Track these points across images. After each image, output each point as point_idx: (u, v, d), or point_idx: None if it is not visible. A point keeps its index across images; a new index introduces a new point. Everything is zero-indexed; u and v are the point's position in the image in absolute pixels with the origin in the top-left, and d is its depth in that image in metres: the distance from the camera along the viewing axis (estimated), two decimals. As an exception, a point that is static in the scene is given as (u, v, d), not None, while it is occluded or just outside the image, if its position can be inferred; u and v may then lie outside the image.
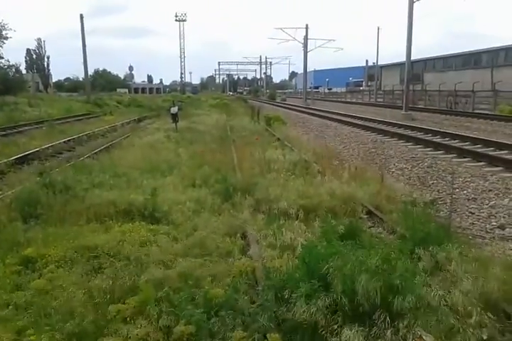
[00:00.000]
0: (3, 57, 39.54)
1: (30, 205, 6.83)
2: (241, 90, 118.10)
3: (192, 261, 4.93)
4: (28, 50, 73.96)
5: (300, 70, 78.72)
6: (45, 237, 5.76)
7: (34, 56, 74.11)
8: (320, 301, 3.63)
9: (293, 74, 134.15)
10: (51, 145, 15.07)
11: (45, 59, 73.87)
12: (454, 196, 8.14)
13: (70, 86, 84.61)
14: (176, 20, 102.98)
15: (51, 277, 4.71)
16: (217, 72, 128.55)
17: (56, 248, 5.33)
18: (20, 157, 12.60)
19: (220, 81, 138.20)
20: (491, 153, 11.77)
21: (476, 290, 3.94)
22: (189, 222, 6.38)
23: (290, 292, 3.87)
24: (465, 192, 8.71)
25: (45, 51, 73.92)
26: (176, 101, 30.11)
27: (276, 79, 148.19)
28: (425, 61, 51.06)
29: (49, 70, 74.87)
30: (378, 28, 54.59)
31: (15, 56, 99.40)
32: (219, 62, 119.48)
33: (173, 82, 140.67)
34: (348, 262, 3.89)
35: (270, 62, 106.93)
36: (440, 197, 8.67)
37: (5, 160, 11.66)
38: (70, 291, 4.35)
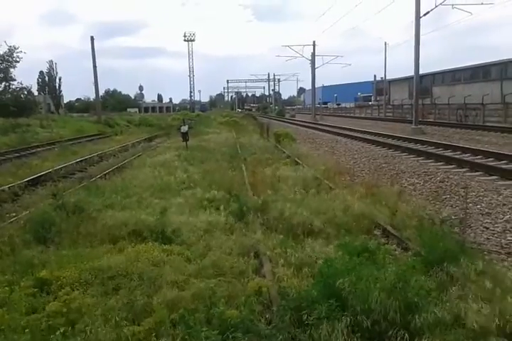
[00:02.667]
0: (15, 79, 40.28)
1: (44, 227, 6.88)
2: (249, 107, 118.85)
3: (206, 281, 4.92)
4: (40, 72, 75.36)
5: (308, 86, 79.24)
6: (59, 259, 5.79)
7: (46, 78, 75.42)
8: (339, 323, 3.59)
9: (301, 90, 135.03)
10: (63, 166, 15.22)
11: (57, 80, 75.08)
12: (467, 211, 8.06)
13: (81, 106, 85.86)
14: (185, 40, 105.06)
15: (66, 299, 4.70)
16: (225, 90, 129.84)
17: (70, 270, 5.33)
18: (33, 178, 12.74)
19: (229, 99, 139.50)
20: (503, 166, 11.67)
21: (492, 310, 3.86)
22: (202, 241, 6.38)
23: (307, 313, 3.83)
24: (479, 206, 8.62)
25: (57, 73, 75.17)
26: (185, 119, 30.40)
27: (284, 96, 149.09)
28: (433, 75, 51.08)
29: (60, 91, 76.07)
30: (385, 43, 55.22)
31: (28, 77, 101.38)
32: (227, 80, 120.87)
33: (183, 100, 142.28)
34: (364, 279, 3.87)
35: (278, 79, 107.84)
36: (454, 212, 8.58)
37: (18, 182, 11.79)
38: (86, 313, 4.35)
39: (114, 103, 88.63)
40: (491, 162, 12.62)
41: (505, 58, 39.69)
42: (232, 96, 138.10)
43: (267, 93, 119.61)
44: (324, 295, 3.92)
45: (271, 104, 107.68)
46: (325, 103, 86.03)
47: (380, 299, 3.57)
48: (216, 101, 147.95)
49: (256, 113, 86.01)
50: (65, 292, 4.88)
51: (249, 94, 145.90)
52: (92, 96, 63.50)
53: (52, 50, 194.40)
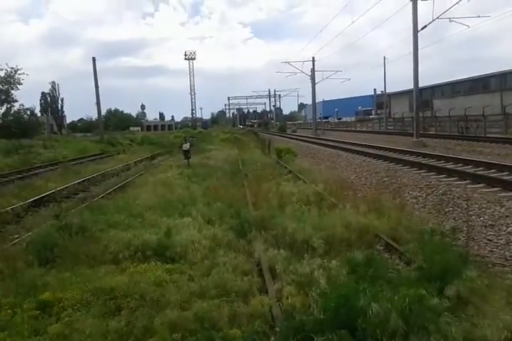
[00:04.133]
0: (17, 101, 40.66)
1: (47, 248, 6.88)
2: (251, 123, 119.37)
3: (208, 301, 4.89)
4: (43, 93, 76.20)
5: (309, 101, 79.56)
6: (61, 281, 5.78)
7: (49, 99, 76.19)
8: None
9: (302, 106, 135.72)
10: (66, 187, 15.26)
11: (59, 101, 75.85)
12: (470, 223, 8.04)
13: (83, 126, 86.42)
14: (186, 58, 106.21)
15: (69, 321, 4.69)
16: (227, 107, 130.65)
17: (73, 291, 5.32)
18: (36, 199, 12.76)
19: (231, 115, 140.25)
20: (505, 177, 11.64)
21: (500, 326, 3.81)
22: (205, 260, 6.36)
23: (310, 334, 3.78)
24: (481, 218, 8.58)
25: (59, 94, 76.00)
26: (187, 137, 30.56)
27: (285, 111, 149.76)
28: (433, 87, 51.47)
29: (63, 112, 76.80)
30: (384, 58, 55.38)
31: (30, 98, 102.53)
32: (229, 97, 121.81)
33: (184, 118, 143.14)
34: (377, 302, 3.81)
35: (279, 95, 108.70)
36: (457, 225, 8.55)
37: (21, 204, 11.82)
38: (88, 335, 4.33)
39: (116, 122, 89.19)
40: (493, 173, 12.59)
41: (504, 69, 40.05)
42: (233, 113, 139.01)
43: (268, 109, 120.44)
44: (333, 320, 3.83)
45: (272, 119, 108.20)
46: (326, 117, 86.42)
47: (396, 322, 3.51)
48: (218, 118, 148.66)
49: (257, 129, 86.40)
50: (67, 314, 4.87)
51: (251, 111, 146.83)
52: (95, 116, 64.10)
53: (54, 71, 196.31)
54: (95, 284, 5.49)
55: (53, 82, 76.59)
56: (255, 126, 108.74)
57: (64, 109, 76.75)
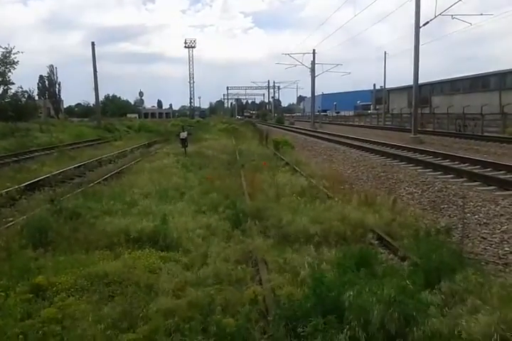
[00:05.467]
0: (13, 83, 40.27)
1: (41, 232, 6.86)
2: (249, 114, 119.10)
3: (202, 289, 4.90)
4: (40, 76, 75.60)
5: (308, 94, 79.48)
6: (55, 265, 5.78)
7: (46, 82, 75.60)
8: (334, 336, 3.56)
9: (301, 98, 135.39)
10: (62, 171, 15.20)
11: (57, 85, 75.28)
12: (465, 221, 8.07)
13: (80, 111, 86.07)
14: (186, 46, 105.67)
15: (62, 305, 4.69)
16: (225, 97, 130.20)
17: (66, 275, 5.32)
18: (31, 183, 12.71)
19: (229, 105, 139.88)
20: (501, 176, 11.69)
21: (491, 322, 3.84)
22: (199, 248, 6.38)
23: (301, 323, 3.82)
24: (476, 216, 8.62)
25: (57, 77, 75.43)
26: (185, 126, 30.47)
27: (284, 103, 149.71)
28: (433, 84, 51.45)
29: (60, 96, 76.25)
30: (385, 53, 55.28)
31: (28, 82, 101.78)
32: (227, 87, 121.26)
33: (182, 106, 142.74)
34: (362, 292, 3.86)
35: (278, 87, 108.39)
36: (451, 222, 8.58)
37: (16, 187, 11.76)
38: (81, 320, 4.33)
39: (114, 108, 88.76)
40: (489, 172, 12.64)
41: (504, 69, 40.04)
42: (232, 103, 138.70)
43: (266, 100, 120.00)
44: (320, 307, 3.91)
45: (270, 111, 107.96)
46: (324, 111, 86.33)
47: (378, 312, 3.55)
48: (216, 108, 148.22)
49: (255, 120, 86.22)
50: (60, 298, 4.87)
51: (249, 101, 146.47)
52: (92, 101, 63.76)
53: (52, 55, 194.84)
54: (89, 269, 5.49)
55: (51, 66, 76.04)
56: (253, 117, 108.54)
57: (61, 94, 76.28)
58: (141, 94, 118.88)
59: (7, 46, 38.02)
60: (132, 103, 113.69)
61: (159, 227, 6.90)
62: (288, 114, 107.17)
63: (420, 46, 25.95)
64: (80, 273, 5.41)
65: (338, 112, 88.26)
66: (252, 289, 4.96)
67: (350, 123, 62.26)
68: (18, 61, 38.67)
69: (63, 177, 14.65)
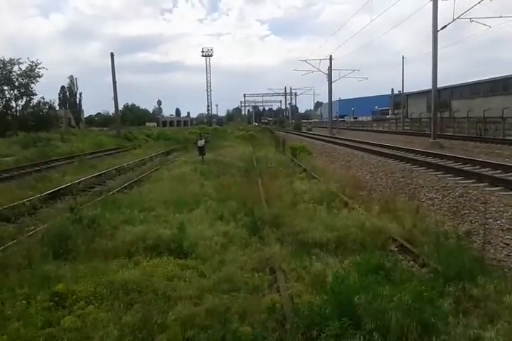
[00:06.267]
0: (36, 94, 41.26)
1: (61, 241, 6.96)
2: (266, 121, 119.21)
3: (220, 296, 4.90)
4: (62, 87, 77.07)
5: (325, 100, 79.52)
6: (75, 273, 5.85)
7: (67, 93, 77.05)
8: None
9: (318, 104, 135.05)
10: (82, 180, 15.41)
11: (77, 95, 76.68)
12: (487, 226, 7.91)
13: (100, 121, 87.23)
14: (203, 55, 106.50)
15: (81, 314, 4.74)
16: (242, 104, 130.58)
17: (86, 284, 5.38)
18: (52, 192, 12.91)
19: (246, 112, 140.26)
20: (524, 180, 11.43)
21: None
22: (217, 256, 6.38)
23: (319, 330, 3.79)
24: (499, 222, 8.43)
25: (77, 88, 76.87)
26: (202, 134, 30.64)
27: (301, 109, 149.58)
28: (452, 88, 50.72)
29: (81, 106, 77.61)
30: (403, 57, 54.86)
31: (49, 92, 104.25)
32: (244, 94, 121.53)
33: (200, 114, 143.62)
34: (379, 298, 3.81)
35: (295, 93, 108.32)
36: (473, 228, 8.43)
37: (38, 196, 11.97)
38: (100, 328, 4.36)
39: (132, 117, 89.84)
40: (511, 176, 12.37)
41: (525, 71, 39.24)
42: (249, 110, 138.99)
43: (283, 107, 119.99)
44: (338, 313, 3.87)
45: (288, 117, 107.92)
46: (342, 116, 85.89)
47: (396, 318, 3.50)
48: (233, 115, 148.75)
49: (273, 127, 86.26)
50: (80, 306, 4.92)
51: (266, 108, 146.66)
52: (112, 110, 64.63)
53: (73, 66, 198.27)
54: (109, 277, 5.54)
55: (71, 77, 77.48)
56: (270, 123, 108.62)
57: (82, 103, 77.63)
58: (159, 102, 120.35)
59: (34, 60, 39.16)
60: (151, 112, 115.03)
61: (177, 235, 6.94)
62: (305, 120, 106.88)
63: (438, 50, 25.72)
64: (99, 281, 5.45)
65: (355, 118, 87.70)
66: (270, 297, 4.94)
67: (369, 128, 61.78)
68: (42, 74, 39.72)
69: (83, 186, 14.85)
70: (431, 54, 25.86)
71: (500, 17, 25.22)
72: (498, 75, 43.88)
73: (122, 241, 6.98)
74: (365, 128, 63.81)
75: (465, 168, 14.48)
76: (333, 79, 51.52)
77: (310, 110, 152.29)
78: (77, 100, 76.58)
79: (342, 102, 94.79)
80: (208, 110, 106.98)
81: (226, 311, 4.55)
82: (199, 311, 4.55)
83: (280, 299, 4.87)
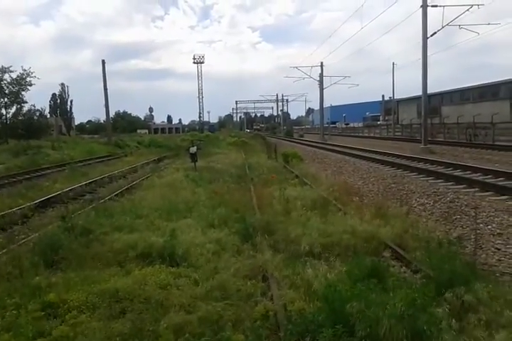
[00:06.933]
0: (26, 102, 41.14)
1: (53, 250, 6.91)
2: (258, 127, 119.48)
3: (213, 304, 4.88)
4: (53, 94, 76.75)
5: (316, 106, 79.68)
6: (66, 282, 5.80)
7: (58, 100, 76.74)
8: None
9: (309, 111, 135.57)
10: (73, 188, 15.32)
11: (68, 103, 76.37)
12: (478, 231, 7.97)
13: (91, 128, 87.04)
14: (194, 62, 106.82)
15: (73, 323, 4.69)
16: (234, 111, 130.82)
17: (78, 293, 5.33)
18: (43, 200, 12.82)
19: (238, 119, 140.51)
20: (514, 185, 11.54)
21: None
22: (209, 264, 6.37)
23: (312, 337, 3.78)
24: (489, 227, 8.49)
25: (69, 95, 76.57)
26: (194, 140, 30.66)
27: (293, 116, 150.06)
28: (442, 94, 51.21)
29: (72, 113, 77.28)
30: (393, 64, 55.38)
31: (39, 100, 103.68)
32: (236, 101, 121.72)
33: (192, 121, 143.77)
34: (372, 305, 3.81)
35: (287, 100, 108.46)
36: (464, 233, 8.48)
37: (28, 204, 11.88)
38: (93, 337, 4.32)
39: (124, 124, 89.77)
40: (501, 181, 12.47)
41: (513, 77, 39.81)
42: (240, 117, 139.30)
43: (275, 113, 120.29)
44: (331, 320, 3.87)
45: (279, 124, 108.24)
46: (333, 123, 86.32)
47: (389, 326, 3.51)
48: (225, 122, 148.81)
49: (265, 133, 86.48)
50: (71, 315, 4.87)
51: (258, 115, 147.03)
52: (103, 118, 64.59)
53: (64, 73, 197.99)
54: (100, 286, 5.50)
55: (63, 84, 77.17)
56: (262, 130, 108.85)
57: (73, 111, 77.31)
58: (150, 109, 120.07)
59: (26, 69, 39.07)
60: (142, 119, 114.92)
61: (169, 243, 6.91)
62: (297, 127, 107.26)
63: (428, 56, 26.01)
64: (91, 290, 5.41)
65: (347, 124, 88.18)
66: (263, 305, 4.93)
67: (360, 134, 62.14)
68: (34, 84, 39.64)
69: (74, 194, 14.77)
70: (421, 60, 26.15)
71: (489, 24, 25.62)
72: (487, 81, 44.44)
73: (114, 249, 6.95)
74: (357, 134, 64.18)
75: (456, 174, 14.59)
76: (324, 86, 51.86)
77: (302, 116, 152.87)
78: (68, 107, 76.27)
79: (333, 108, 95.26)
80: (200, 117, 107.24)
81: (219, 319, 4.53)
82: (192, 319, 4.53)
83: (273, 306, 4.86)
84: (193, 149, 20.41)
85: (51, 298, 5.24)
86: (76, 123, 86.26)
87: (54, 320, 4.87)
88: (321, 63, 51.08)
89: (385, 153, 23.88)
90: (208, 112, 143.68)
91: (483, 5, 24.34)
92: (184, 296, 5.14)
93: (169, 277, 5.76)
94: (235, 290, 5.39)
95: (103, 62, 45.80)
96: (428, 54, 25.94)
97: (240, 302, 5.08)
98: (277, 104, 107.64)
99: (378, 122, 70.02)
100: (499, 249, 7.46)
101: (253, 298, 5.24)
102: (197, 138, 52.70)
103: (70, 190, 14.97)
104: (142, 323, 4.53)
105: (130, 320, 4.67)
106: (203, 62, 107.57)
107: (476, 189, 11.65)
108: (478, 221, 8.55)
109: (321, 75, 51.40)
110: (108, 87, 46.04)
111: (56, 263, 6.66)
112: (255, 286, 5.56)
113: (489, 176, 13.60)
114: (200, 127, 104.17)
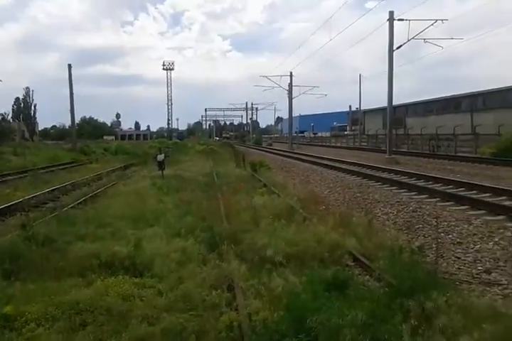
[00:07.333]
0: (-13, 106, 40.01)
1: (11, 259, 6.67)
2: (227, 135, 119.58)
3: (177, 315, 4.82)
4: (16, 98, 74.85)
5: (285, 115, 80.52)
6: (25, 293, 5.61)
7: (22, 104, 74.82)
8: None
9: (279, 119, 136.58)
10: (35, 196, 14.90)
11: (32, 107, 74.55)
12: (439, 240, 8.17)
13: (56, 134, 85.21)
14: (164, 68, 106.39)
15: (30, 336, 4.55)
16: (204, 118, 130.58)
17: (37, 305, 5.17)
18: (2, 208, 12.42)
19: (207, 127, 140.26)
20: (474, 196, 11.92)
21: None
22: (174, 274, 6.28)
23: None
24: (450, 236, 8.74)
25: (33, 100, 74.80)
26: (162, 148, 30.36)
27: (262, 124, 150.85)
28: (407, 106, 52.66)
29: (36, 119, 75.45)
30: (360, 75, 56.58)
31: (2, 104, 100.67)
32: (206, 109, 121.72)
33: (160, 128, 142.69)
34: (333, 316, 3.85)
35: (256, 108, 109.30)
36: (426, 242, 8.69)
37: (-13, 212, 11.47)
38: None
39: (90, 130, 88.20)
40: (462, 192, 12.87)
41: (475, 91, 41.38)
42: (210, 125, 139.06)
43: (245, 122, 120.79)
44: (294, 330, 3.89)
45: (249, 132, 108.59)
46: (302, 132, 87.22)
47: (350, 336, 3.55)
48: (194, 130, 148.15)
49: (234, 141, 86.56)
50: (29, 328, 4.72)
51: (227, 123, 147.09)
52: (68, 123, 63.29)
53: (28, 77, 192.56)
54: (61, 298, 5.34)
55: (27, 88, 75.48)
56: (232, 138, 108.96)
57: (37, 116, 75.50)
58: (118, 115, 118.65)
59: None
60: (109, 125, 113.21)
61: (133, 252, 6.80)
62: (266, 135, 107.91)
63: (394, 68, 26.73)
64: (50, 301, 5.25)
65: (315, 133, 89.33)
66: (228, 315, 4.90)
67: (327, 144, 63.00)
68: None
69: (36, 201, 14.35)
70: (387, 72, 26.81)
71: (452, 38, 26.56)
72: (450, 94, 45.99)
73: (76, 259, 6.76)
74: (324, 143, 65.09)
75: (419, 184, 14.97)
76: (293, 95, 52.56)
77: (271, 125, 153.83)
78: (32, 112, 74.47)
79: (302, 118, 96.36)
80: (169, 124, 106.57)
81: (183, 330, 4.47)
82: (154, 331, 4.45)
83: (238, 317, 4.84)
84: (161, 157, 20.21)
85: (8, 310, 5.05)
86: (40, 129, 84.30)
87: (10, 333, 4.69)
88: (291, 73, 51.78)
89: (351, 163, 24.28)
90: (177, 119, 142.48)
91: (447, 20, 25.36)
92: (147, 307, 5.06)
93: (132, 288, 5.65)
94: (199, 300, 5.34)
95: (69, 66, 45.08)
96: (394, 66, 26.73)
97: (205, 313, 5.03)
98: (247, 112, 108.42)
99: (345, 132, 71.39)
100: (459, 258, 7.67)
101: (218, 308, 5.20)
102: (165, 146, 52.26)
103: (32, 197, 14.55)
104: (103, 336, 4.43)
105: (90, 332, 4.55)
106: (172, 69, 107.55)
107: (438, 199, 11.98)
108: (439, 230, 8.78)
109: (290, 85, 52.04)
110: (74, 92, 45.33)
111: (15, 273, 6.43)
112: (220, 296, 5.51)
113: (450, 186, 14.02)
114: (168, 134, 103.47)
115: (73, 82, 45.12)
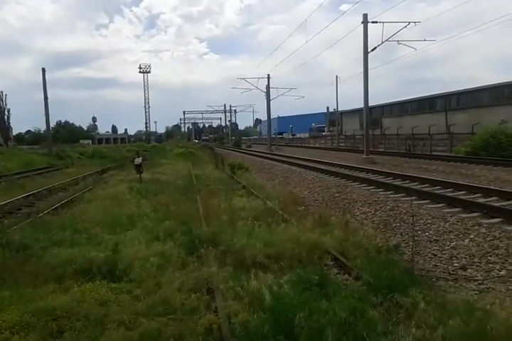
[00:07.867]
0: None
1: (-15, 267, 6.52)
2: (207, 138, 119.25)
3: (155, 320, 4.77)
4: (-11, 103, 73.08)
5: (264, 117, 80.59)
6: (-1, 301, 5.48)
7: (-6, 109, 73.19)
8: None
9: (257, 121, 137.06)
10: (9, 202, 14.59)
11: (6, 112, 72.90)
12: (416, 238, 8.29)
13: (30, 139, 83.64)
14: (140, 71, 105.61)
15: (5, 345, 4.44)
16: (182, 121, 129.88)
17: (12, 312, 5.05)
18: (-24, 215, 12.14)
19: (186, 129, 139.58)
20: (449, 194, 12.13)
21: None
22: (152, 278, 6.21)
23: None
24: (427, 234, 8.87)
25: (6, 104, 73.13)
26: (140, 151, 30.09)
27: (241, 126, 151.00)
28: (383, 107, 53.35)
29: (9, 123, 73.80)
30: (337, 77, 56.91)
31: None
32: (184, 112, 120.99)
33: (138, 131, 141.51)
34: (315, 314, 3.87)
35: (235, 110, 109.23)
36: (403, 240, 8.81)
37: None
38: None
39: (66, 135, 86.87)
40: (437, 190, 13.08)
41: (448, 91, 42.17)
42: (188, 127, 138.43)
43: (223, 124, 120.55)
44: (275, 331, 3.89)
45: (228, 134, 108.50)
46: (280, 133, 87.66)
47: (331, 334, 3.57)
48: (172, 132, 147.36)
49: (213, 143, 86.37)
50: (3, 337, 4.61)
51: (206, 125, 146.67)
52: (43, 128, 62.20)
53: (1, 81, 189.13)
54: (36, 304, 5.24)
55: (0, 92, 73.74)
56: (211, 140, 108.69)
57: (10, 121, 73.87)
58: (94, 119, 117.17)
59: None
60: (85, 129, 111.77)
61: (110, 257, 6.71)
62: (245, 137, 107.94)
63: (370, 70, 27.04)
64: (26, 308, 5.14)
65: (294, 135, 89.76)
66: (207, 318, 4.88)
67: (306, 145, 63.35)
68: None
69: (11, 207, 14.05)
70: (363, 74, 27.11)
71: (425, 40, 26.98)
72: (424, 94, 46.77)
73: (52, 265, 6.65)
74: (303, 144, 65.45)
75: (395, 183, 15.17)
76: (271, 97, 52.59)
77: (250, 127, 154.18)
78: (6, 117, 72.83)
79: (280, 119, 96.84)
80: (147, 127, 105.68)
81: (161, 335, 4.43)
82: (132, 336, 4.40)
83: (217, 319, 4.81)
84: (138, 160, 20.00)
85: (-19, 319, 4.94)
86: (14, 134, 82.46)
87: (-17, 343, 4.59)
88: (268, 75, 51.85)
89: (329, 163, 24.45)
90: (155, 122, 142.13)
91: (419, 22, 25.76)
92: (125, 312, 5.00)
93: (109, 293, 5.58)
94: (179, 304, 5.29)
95: (43, 70, 44.24)
96: (369, 68, 27.01)
97: (184, 316, 4.99)
98: (225, 114, 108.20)
99: (323, 133, 71.87)
100: (435, 255, 7.80)
101: (197, 311, 5.17)
102: (143, 149, 51.86)
103: (6, 203, 14.25)
104: (81, 342, 4.36)
105: (67, 339, 4.48)
106: (149, 72, 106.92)
107: (414, 197, 12.15)
108: (416, 228, 8.92)
109: (268, 87, 52.11)
110: (49, 96, 44.51)
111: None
112: (200, 300, 5.48)
113: (426, 185, 14.24)
114: (146, 137, 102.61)
115: (48, 86, 44.34)
